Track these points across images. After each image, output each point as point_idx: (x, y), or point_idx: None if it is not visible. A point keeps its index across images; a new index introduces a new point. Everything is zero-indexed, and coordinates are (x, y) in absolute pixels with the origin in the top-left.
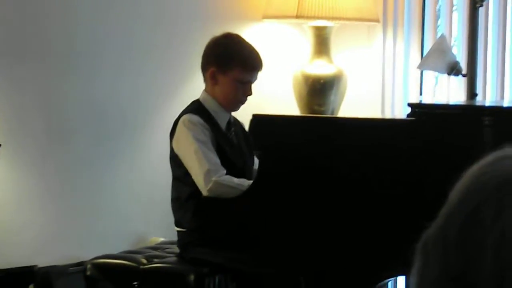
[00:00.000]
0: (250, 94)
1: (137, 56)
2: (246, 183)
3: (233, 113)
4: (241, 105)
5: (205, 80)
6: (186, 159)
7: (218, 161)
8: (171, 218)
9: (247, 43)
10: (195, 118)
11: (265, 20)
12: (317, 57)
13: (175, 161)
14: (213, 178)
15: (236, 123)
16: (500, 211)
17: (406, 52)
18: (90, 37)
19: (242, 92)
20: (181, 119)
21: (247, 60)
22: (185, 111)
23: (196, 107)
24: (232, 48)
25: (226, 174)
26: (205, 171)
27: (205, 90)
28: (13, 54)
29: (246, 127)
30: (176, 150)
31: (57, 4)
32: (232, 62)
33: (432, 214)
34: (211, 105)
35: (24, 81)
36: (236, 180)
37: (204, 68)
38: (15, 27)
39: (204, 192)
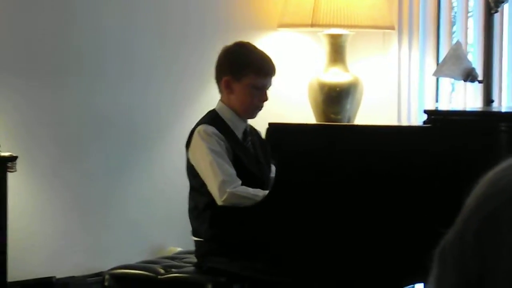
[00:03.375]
0: (266, 99)
1: (150, 67)
2: (261, 193)
3: (250, 122)
4: (258, 111)
5: (220, 90)
6: (201, 170)
7: (233, 172)
8: (188, 228)
9: (259, 49)
10: (210, 128)
11: (280, 29)
12: (332, 65)
13: (191, 171)
14: (228, 190)
15: (253, 132)
16: None
17: (422, 59)
18: (99, 51)
19: (258, 98)
20: (196, 130)
21: (260, 65)
22: (201, 122)
23: (211, 117)
24: (244, 55)
25: (244, 183)
26: (219, 182)
27: (221, 99)
28: (27, 68)
29: (263, 136)
30: (192, 160)
31: (65, 17)
32: (245, 68)
33: (450, 220)
34: (227, 115)
35: (38, 95)
36: (251, 190)
37: (218, 78)
38: (26, 43)
39: (219, 203)
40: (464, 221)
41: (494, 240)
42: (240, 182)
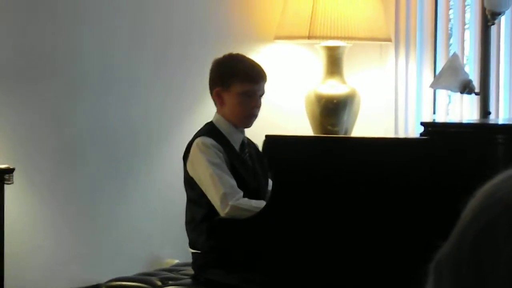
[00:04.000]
0: (259, 105)
1: (149, 77)
2: (263, 204)
3: (247, 133)
4: (254, 119)
5: (215, 103)
6: (202, 183)
7: (234, 183)
8: (185, 240)
9: (248, 58)
10: (208, 140)
11: (277, 41)
12: (329, 77)
13: (189, 183)
14: (230, 203)
15: (250, 144)
16: None
17: (419, 71)
18: (101, 59)
19: (250, 105)
20: (194, 142)
21: (247, 72)
22: (198, 134)
23: (209, 129)
24: (232, 64)
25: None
26: (221, 194)
27: (217, 112)
28: (26, 78)
29: (260, 149)
30: (191, 173)
31: (68, 25)
32: (233, 77)
33: (446, 233)
34: (224, 127)
35: (36, 105)
36: (254, 202)
37: (211, 91)
38: (26, 50)
39: (222, 215)
40: (460, 233)
41: (491, 250)
42: (241, 193)
